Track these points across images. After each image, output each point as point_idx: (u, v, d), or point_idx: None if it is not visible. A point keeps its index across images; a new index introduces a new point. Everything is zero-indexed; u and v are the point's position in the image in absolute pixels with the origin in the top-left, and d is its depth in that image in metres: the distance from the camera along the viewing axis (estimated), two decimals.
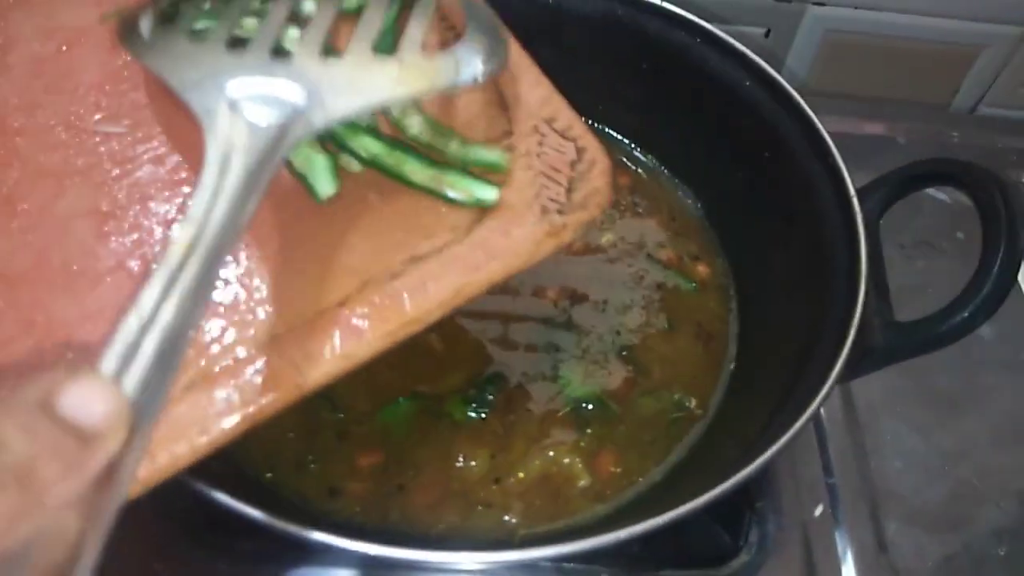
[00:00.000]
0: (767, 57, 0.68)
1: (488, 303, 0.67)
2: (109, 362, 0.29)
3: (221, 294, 0.42)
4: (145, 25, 0.43)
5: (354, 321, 0.42)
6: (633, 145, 0.81)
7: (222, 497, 0.46)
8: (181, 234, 0.33)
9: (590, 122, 0.82)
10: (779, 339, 0.63)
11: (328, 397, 0.62)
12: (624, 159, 0.80)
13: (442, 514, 0.58)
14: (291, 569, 0.60)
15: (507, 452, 0.61)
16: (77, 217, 0.43)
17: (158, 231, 0.44)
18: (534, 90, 0.48)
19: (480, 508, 0.59)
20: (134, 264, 0.43)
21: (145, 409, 0.29)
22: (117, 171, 0.45)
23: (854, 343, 0.54)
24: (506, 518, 0.59)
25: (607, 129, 0.81)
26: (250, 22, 0.43)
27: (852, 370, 0.54)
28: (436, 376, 0.63)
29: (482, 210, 0.44)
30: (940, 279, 0.78)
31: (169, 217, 0.44)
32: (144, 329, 0.30)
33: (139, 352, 0.30)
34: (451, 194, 0.44)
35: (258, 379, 0.40)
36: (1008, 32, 0.94)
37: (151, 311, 0.31)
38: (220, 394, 0.40)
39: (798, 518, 0.66)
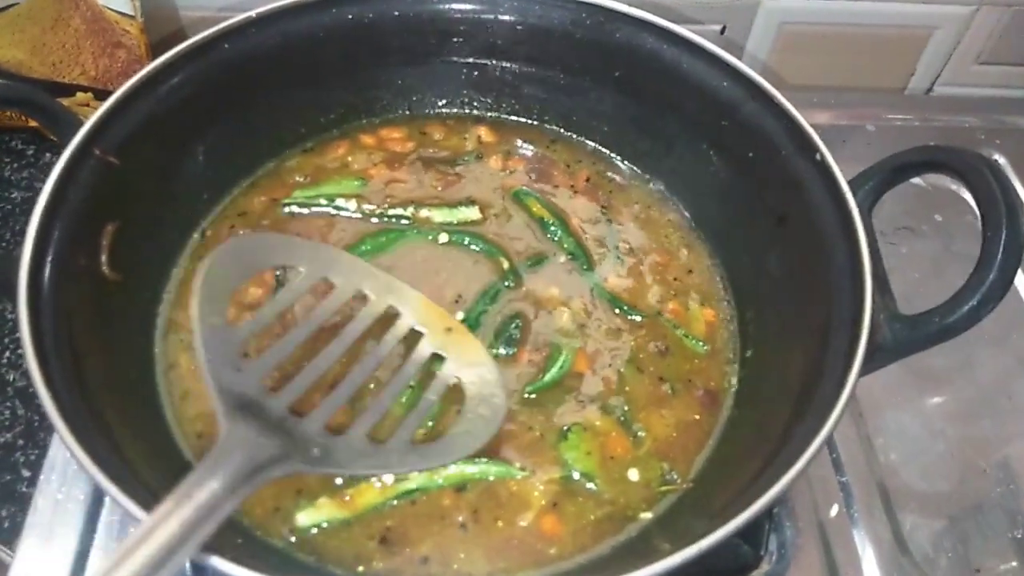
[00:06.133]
0: None
1: None
2: None
3: None
4: None
5: None
6: (612, 154, 0.78)
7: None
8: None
9: (566, 133, 0.79)
10: (787, 345, 0.61)
11: None
12: (603, 170, 0.77)
13: None
14: None
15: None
16: None
17: None
18: None
19: None
20: None
21: None
22: None
23: (866, 343, 0.52)
24: None
25: (584, 139, 0.78)
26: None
27: (863, 370, 0.53)
28: None
29: None
30: (926, 263, 0.78)
31: None
32: None
33: None
34: None
35: None
36: (957, 12, 0.95)
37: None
38: None
39: (814, 520, 0.65)
